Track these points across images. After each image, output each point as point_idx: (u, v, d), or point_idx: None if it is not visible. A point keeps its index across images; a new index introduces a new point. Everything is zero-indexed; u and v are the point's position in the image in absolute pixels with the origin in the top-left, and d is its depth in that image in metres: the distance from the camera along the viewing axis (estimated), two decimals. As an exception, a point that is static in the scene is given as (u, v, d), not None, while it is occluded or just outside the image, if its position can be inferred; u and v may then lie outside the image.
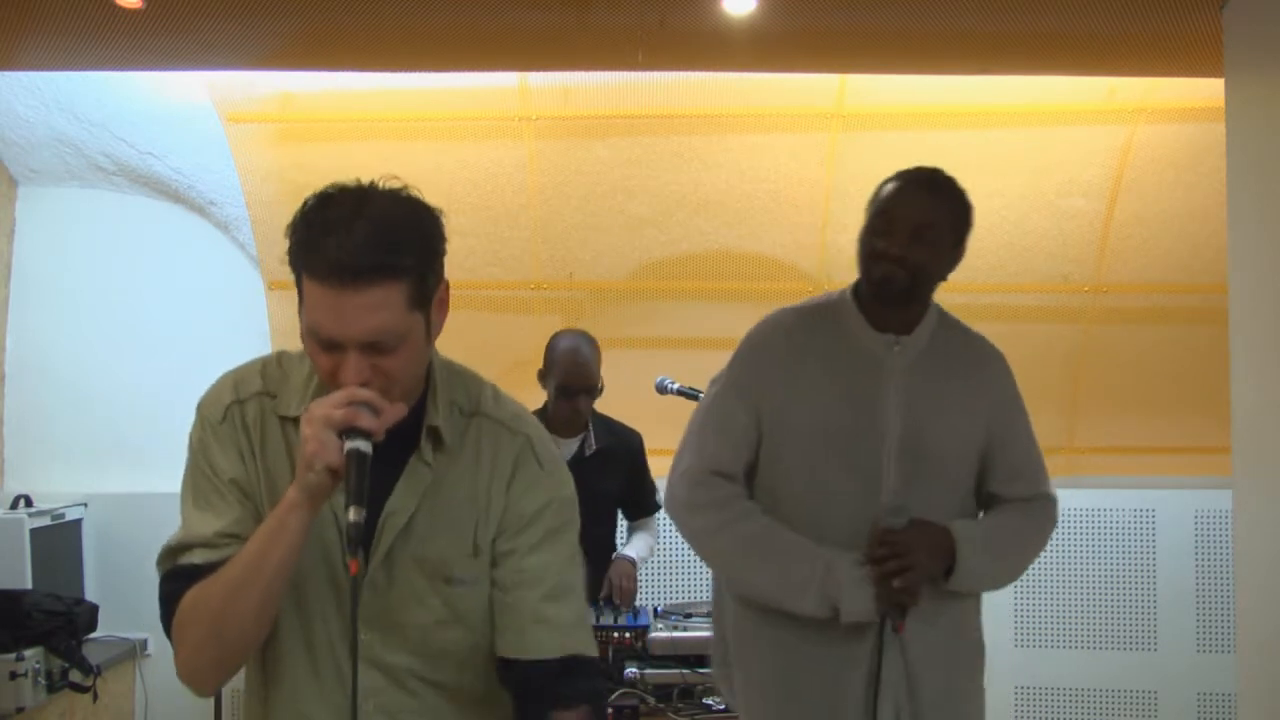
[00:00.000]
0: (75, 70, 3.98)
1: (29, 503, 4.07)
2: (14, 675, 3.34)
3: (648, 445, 3.56)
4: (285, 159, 4.10)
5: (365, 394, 1.40)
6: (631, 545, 3.42)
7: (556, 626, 1.54)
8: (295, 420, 1.49)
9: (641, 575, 3.42)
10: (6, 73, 3.98)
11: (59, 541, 3.99)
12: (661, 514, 3.59)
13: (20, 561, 3.74)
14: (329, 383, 1.44)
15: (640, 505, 3.55)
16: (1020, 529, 2.20)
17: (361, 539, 1.38)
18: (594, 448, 3.38)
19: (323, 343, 1.41)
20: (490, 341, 4.33)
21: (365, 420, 1.39)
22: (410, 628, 1.53)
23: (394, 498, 1.51)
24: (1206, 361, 3.96)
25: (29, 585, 3.73)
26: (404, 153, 4.02)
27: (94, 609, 3.79)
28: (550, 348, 3.37)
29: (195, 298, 4.34)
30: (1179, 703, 4.30)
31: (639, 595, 3.45)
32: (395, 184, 1.45)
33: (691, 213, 4.20)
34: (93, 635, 3.80)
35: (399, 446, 1.50)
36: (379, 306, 1.37)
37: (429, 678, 1.55)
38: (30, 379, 4.35)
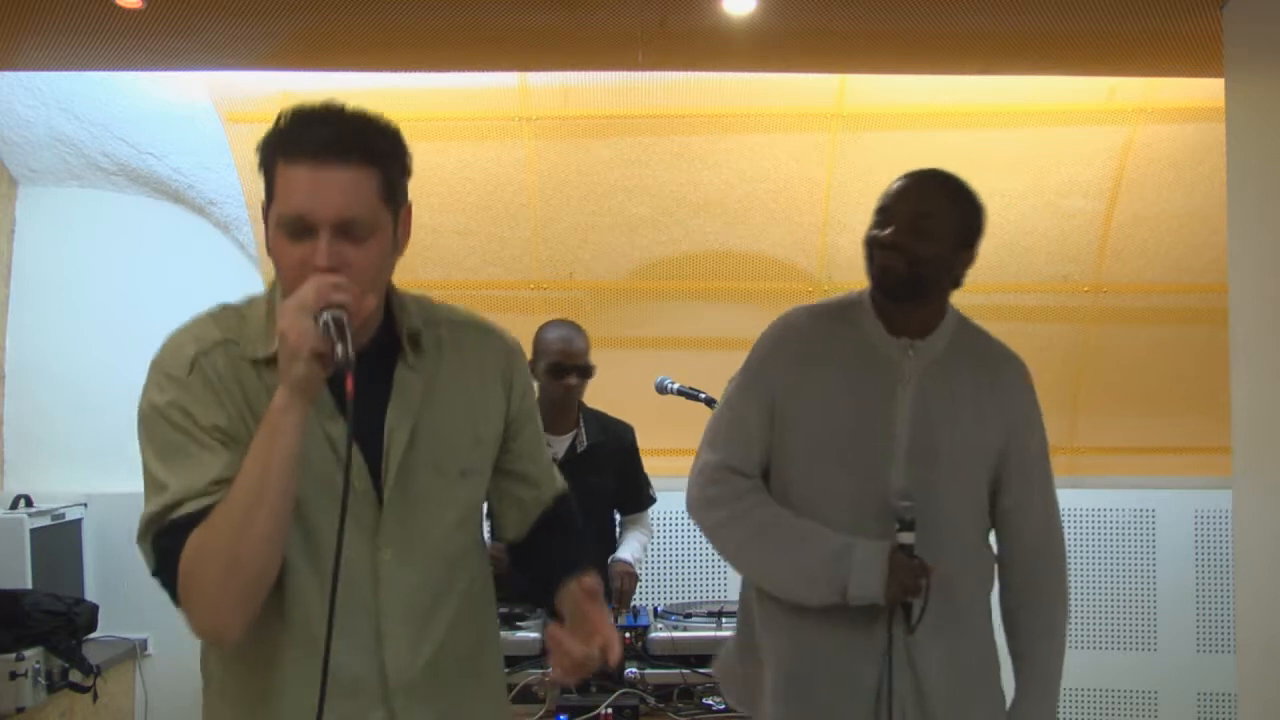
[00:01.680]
0: (75, 70, 3.98)
1: (29, 503, 4.07)
2: (14, 675, 3.34)
3: (648, 445, 3.55)
4: (285, 159, 4.09)
5: (333, 277, 1.41)
6: (626, 546, 3.39)
7: (553, 487, 1.80)
8: (266, 361, 1.50)
9: (641, 574, 3.41)
10: (6, 73, 3.98)
11: (59, 541, 3.99)
12: (654, 509, 3.59)
13: (20, 561, 3.74)
14: (296, 278, 1.44)
15: (634, 500, 3.52)
16: (1048, 646, 2.20)
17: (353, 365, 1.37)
18: (585, 444, 3.37)
19: (295, 228, 1.44)
20: (490, 341, 4.33)
21: (339, 294, 1.39)
22: (430, 536, 1.57)
23: (391, 413, 1.54)
24: (1206, 361, 3.96)
25: (29, 585, 3.73)
26: (404, 153, 4.01)
27: (94, 609, 3.79)
28: (537, 337, 3.37)
29: (195, 298, 4.29)
30: (1179, 703, 4.30)
31: (638, 594, 3.45)
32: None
33: (691, 213, 4.20)
34: (93, 635, 3.80)
35: (379, 364, 1.54)
36: (355, 186, 1.44)
37: (437, 586, 1.59)
38: (30, 379, 4.35)
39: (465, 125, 4.07)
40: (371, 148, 1.48)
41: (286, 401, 1.40)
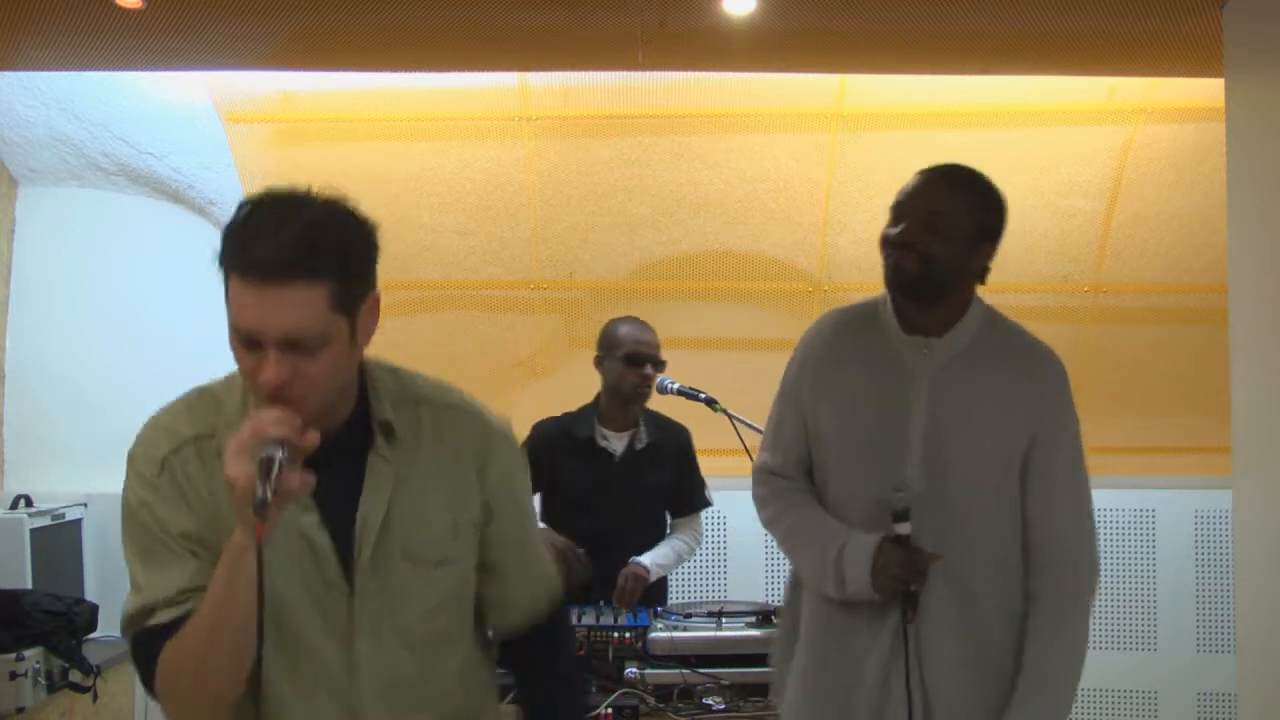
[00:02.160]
0: (75, 70, 3.98)
1: (29, 503, 4.07)
2: (14, 675, 3.34)
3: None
4: (285, 159, 4.10)
5: (273, 412, 1.39)
6: (653, 551, 3.36)
7: (548, 582, 1.75)
8: None
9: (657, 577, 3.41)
10: (6, 73, 3.98)
11: (59, 541, 3.99)
12: (706, 513, 3.58)
13: (20, 561, 3.74)
14: (251, 384, 1.45)
15: (686, 501, 3.52)
16: (1060, 663, 2.09)
17: (267, 512, 1.35)
18: (645, 442, 3.39)
19: (245, 340, 1.42)
20: (490, 341, 4.32)
21: (276, 430, 1.37)
22: (404, 626, 1.57)
23: (364, 501, 1.54)
24: (1206, 361, 3.96)
25: (29, 585, 3.73)
26: (404, 153, 4.02)
27: (94, 609, 3.79)
28: (608, 330, 3.42)
29: (195, 298, 4.31)
30: (1179, 703, 4.30)
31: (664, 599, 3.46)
32: (333, 193, 1.48)
33: (691, 213, 4.20)
34: (93, 635, 3.79)
35: (354, 449, 1.54)
36: (301, 304, 1.39)
37: (421, 671, 1.59)
38: (30, 379, 4.35)
39: (465, 125, 4.07)
40: (318, 263, 1.40)
41: (245, 541, 1.39)
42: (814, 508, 2.19)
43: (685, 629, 2.92)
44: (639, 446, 3.38)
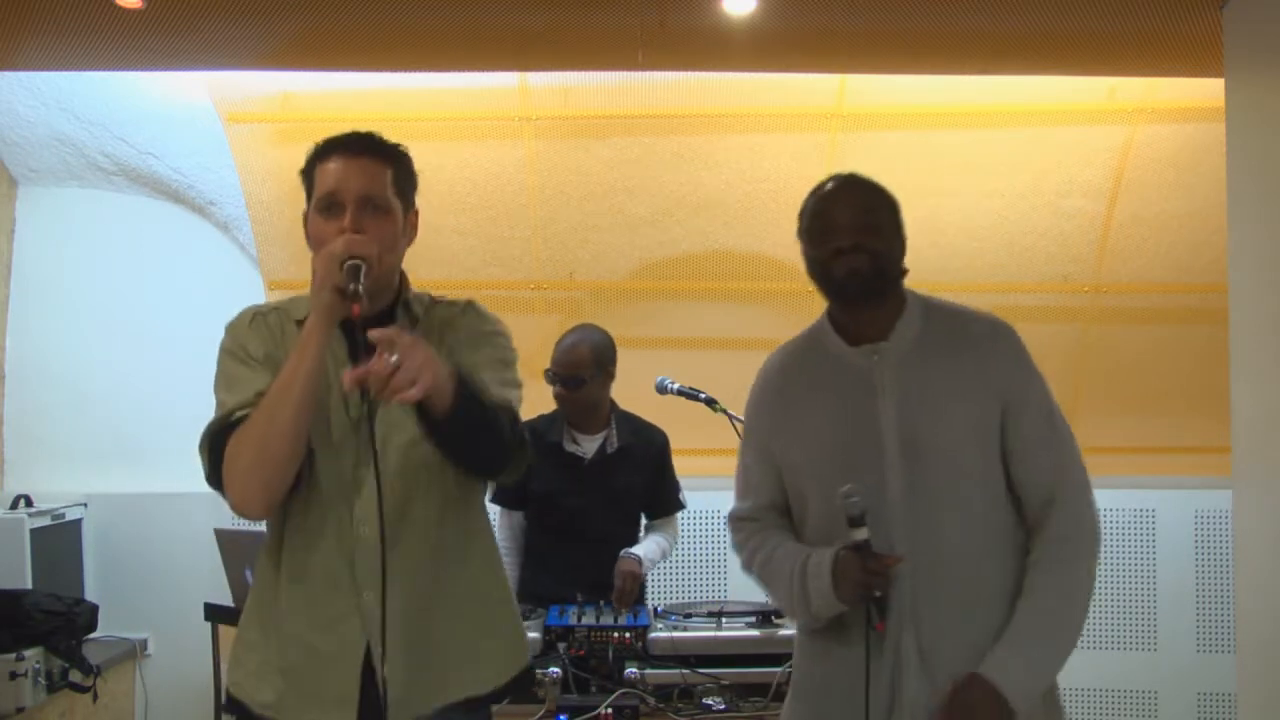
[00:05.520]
0: (75, 70, 3.98)
1: (29, 503, 4.07)
2: (14, 675, 3.34)
3: (648, 445, 3.56)
4: (285, 159, 4.10)
5: (358, 236, 1.82)
6: (640, 545, 3.37)
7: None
8: (301, 321, 1.91)
9: (649, 577, 3.40)
10: (6, 73, 3.98)
11: (59, 541, 3.99)
12: (683, 514, 3.58)
13: (20, 561, 3.75)
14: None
15: (662, 504, 3.51)
16: (1054, 603, 2.04)
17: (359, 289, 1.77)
18: (616, 445, 3.38)
19: (330, 206, 1.88)
20: (490, 341, 4.33)
21: (360, 247, 1.79)
22: (395, 447, 1.94)
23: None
24: (1206, 361, 3.96)
25: (29, 585, 3.74)
26: (404, 153, 4.01)
27: (94, 609, 3.80)
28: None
29: (195, 298, 4.34)
30: (1179, 703, 4.31)
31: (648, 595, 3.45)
32: None
33: (691, 213, 4.20)
34: (93, 635, 3.80)
35: (383, 325, 1.89)
36: (375, 173, 1.91)
37: (401, 492, 1.94)
38: (30, 379, 4.36)
39: (465, 125, 4.08)
40: (385, 150, 1.94)
41: (313, 324, 1.81)
42: (779, 539, 2.19)
43: (685, 629, 2.93)
44: (610, 450, 3.38)
